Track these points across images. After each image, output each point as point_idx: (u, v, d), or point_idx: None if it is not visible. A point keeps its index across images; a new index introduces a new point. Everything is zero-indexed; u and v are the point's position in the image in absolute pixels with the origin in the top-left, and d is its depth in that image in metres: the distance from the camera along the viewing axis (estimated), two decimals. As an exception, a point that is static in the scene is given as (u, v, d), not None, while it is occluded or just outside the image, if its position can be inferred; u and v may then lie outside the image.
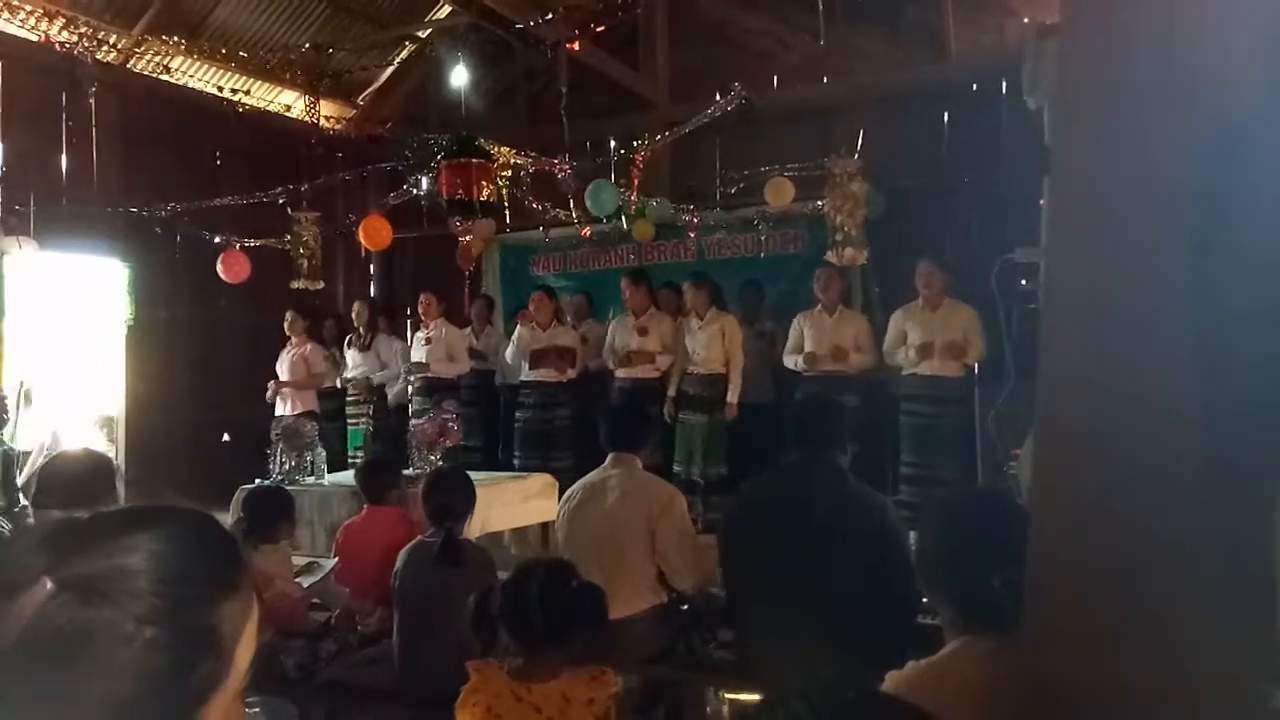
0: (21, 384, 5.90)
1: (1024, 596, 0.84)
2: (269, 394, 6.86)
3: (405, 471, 4.41)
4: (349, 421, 7.23)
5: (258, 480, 4.89)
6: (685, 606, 3.17)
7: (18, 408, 5.70)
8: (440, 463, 4.74)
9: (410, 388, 6.80)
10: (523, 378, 6.57)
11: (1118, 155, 0.82)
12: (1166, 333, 0.75)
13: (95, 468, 2.52)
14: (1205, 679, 0.64)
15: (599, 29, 6.79)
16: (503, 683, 1.70)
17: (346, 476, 4.99)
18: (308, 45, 7.44)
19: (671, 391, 6.18)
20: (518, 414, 6.57)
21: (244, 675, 0.83)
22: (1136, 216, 0.80)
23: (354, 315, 7.33)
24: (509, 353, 6.71)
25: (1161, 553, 0.70)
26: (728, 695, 3.06)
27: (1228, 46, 0.69)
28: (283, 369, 7.06)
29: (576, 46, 6.65)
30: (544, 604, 1.73)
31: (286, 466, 4.97)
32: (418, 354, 6.70)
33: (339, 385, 7.25)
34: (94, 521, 0.80)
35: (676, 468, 5.98)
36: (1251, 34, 0.69)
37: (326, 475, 5.12)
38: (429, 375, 6.59)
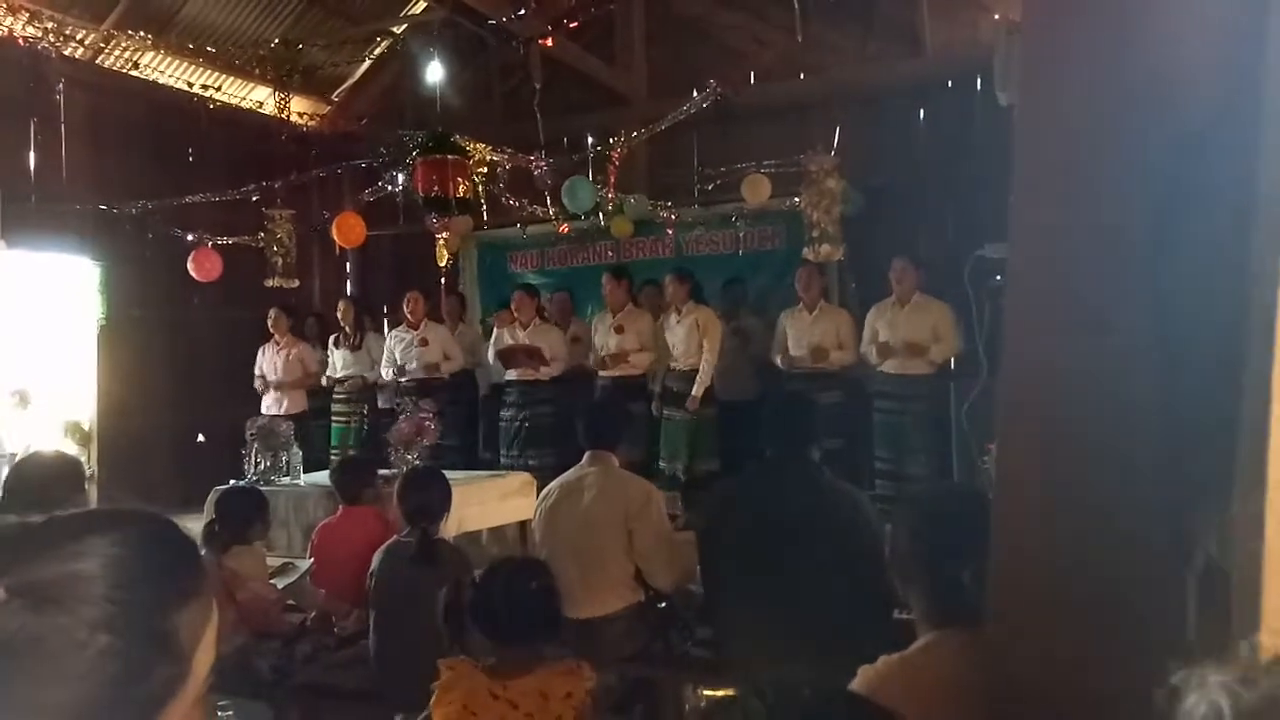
0: (17, 389, 5.85)
1: (988, 587, 0.85)
2: (258, 386, 6.88)
3: (383, 471, 4.38)
4: (334, 419, 7.17)
5: (233, 481, 4.84)
6: (663, 604, 3.17)
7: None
8: (417, 462, 4.71)
9: (399, 389, 6.74)
10: (506, 377, 6.57)
11: (1079, 151, 0.82)
12: (1126, 326, 0.75)
13: (63, 471, 2.48)
14: (1159, 664, 0.64)
15: (572, 25, 6.77)
16: (477, 680, 1.69)
17: (323, 476, 4.95)
18: (276, 41, 7.35)
19: (656, 388, 6.18)
20: (501, 413, 6.57)
21: (203, 682, 0.82)
22: (1097, 211, 0.80)
23: (339, 315, 7.26)
24: (489, 354, 6.70)
25: (1120, 542, 0.70)
26: (706, 692, 3.07)
27: (1182, 47, 0.70)
28: (273, 368, 7.00)
29: (549, 42, 6.62)
30: (512, 601, 1.72)
31: (262, 466, 4.93)
32: (410, 355, 6.65)
33: (326, 383, 7.20)
34: (48, 526, 0.79)
35: (661, 464, 5.98)
36: (1206, 36, 0.69)
37: (303, 475, 5.08)
38: (422, 376, 6.56)
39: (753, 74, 7.78)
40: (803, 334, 5.86)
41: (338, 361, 7.14)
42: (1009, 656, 0.80)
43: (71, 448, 6.64)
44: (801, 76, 7.55)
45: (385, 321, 7.59)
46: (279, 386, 6.97)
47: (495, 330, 6.75)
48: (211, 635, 0.83)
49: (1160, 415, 0.70)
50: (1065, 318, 0.77)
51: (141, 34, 6.96)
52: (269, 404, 6.96)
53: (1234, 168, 0.66)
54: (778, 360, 5.98)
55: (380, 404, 7.02)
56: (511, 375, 6.50)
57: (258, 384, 7.01)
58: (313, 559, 3.57)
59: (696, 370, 5.97)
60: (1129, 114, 0.81)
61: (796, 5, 6.57)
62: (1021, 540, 0.77)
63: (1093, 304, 0.78)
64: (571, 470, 3.38)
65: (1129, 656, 0.69)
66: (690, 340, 5.99)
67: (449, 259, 7.57)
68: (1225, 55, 0.69)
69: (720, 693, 2.81)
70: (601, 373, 6.30)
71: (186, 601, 0.80)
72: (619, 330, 6.21)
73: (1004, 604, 0.81)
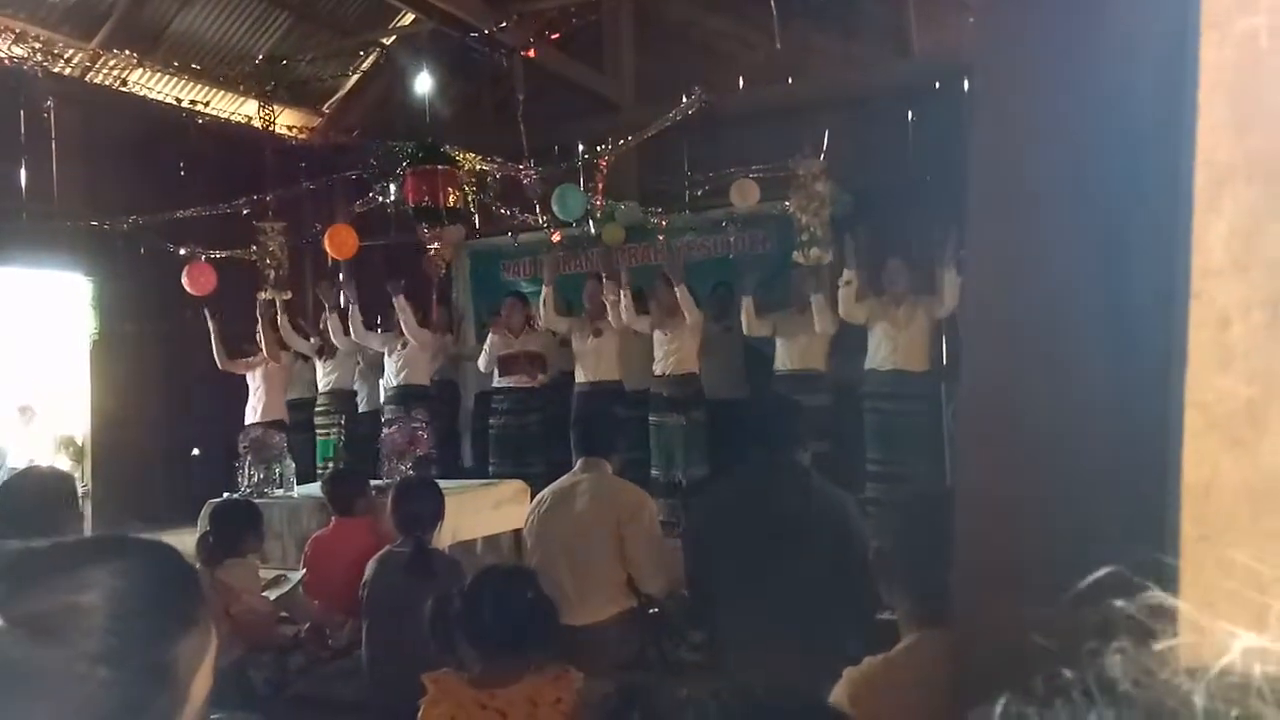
0: (22, 404, 5.85)
1: (952, 587, 0.86)
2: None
3: (376, 482, 4.39)
4: (318, 432, 7.17)
5: (226, 494, 4.84)
6: (655, 610, 3.18)
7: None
8: (411, 472, 4.71)
9: (382, 396, 6.75)
10: (495, 384, 6.57)
11: (1032, 153, 0.84)
12: (1079, 324, 0.77)
13: (56, 488, 2.48)
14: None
15: (554, 35, 6.79)
16: (464, 692, 1.69)
17: (316, 488, 4.95)
18: (260, 57, 7.37)
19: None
20: (491, 420, 6.56)
21: (200, 709, 0.83)
22: (1051, 212, 0.82)
23: (323, 326, 7.28)
24: (481, 361, 6.70)
25: (1072, 541, 0.72)
26: (718, 690, 3.06)
27: (1127, 63, 0.72)
28: (256, 380, 7.01)
29: (533, 53, 6.65)
30: (500, 610, 1.73)
31: (255, 479, 4.93)
32: (394, 362, 6.65)
33: (308, 395, 7.19)
34: (49, 554, 0.79)
35: (654, 471, 5.98)
36: (1147, 53, 0.71)
37: (296, 487, 5.08)
38: (401, 384, 6.55)
39: (741, 79, 7.80)
40: (793, 337, 5.88)
41: (319, 372, 7.12)
42: (973, 655, 0.82)
43: (65, 463, 6.64)
44: (789, 80, 7.57)
45: (378, 330, 7.58)
46: (260, 397, 6.95)
47: (491, 336, 6.74)
48: (210, 662, 0.84)
49: (1111, 416, 0.72)
50: (1018, 317, 0.79)
51: (130, 51, 6.97)
52: (248, 412, 6.93)
53: (1173, 173, 0.68)
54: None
55: (360, 409, 7.01)
56: (502, 383, 6.49)
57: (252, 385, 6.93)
58: (305, 570, 3.57)
59: (688, 374, 5.97)
60: (1080, 122, 0.83)
61: (774, 10, 6.59)
62: (981, 539, 0.79)
63: (1044, 304, 0.80)
64: (565, 477, 3.39)
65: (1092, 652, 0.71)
66: (685, 344, 6.00)
67: (442, 269, 7.59)
68: (1164, 71, 0.71)
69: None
70: (579, 379, 6.30)
71: (186, 631, 0.81)
72: (597, 335, 6.22)
73: (966, 602, 0.83)
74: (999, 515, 0.76)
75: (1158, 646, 0.47)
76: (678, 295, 5.85)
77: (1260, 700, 0.39)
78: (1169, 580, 0.54)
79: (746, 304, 5.88)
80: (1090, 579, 0.62)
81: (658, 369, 6.09)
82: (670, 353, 6.03)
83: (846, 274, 5.55)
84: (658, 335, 6.09)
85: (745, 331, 6.02)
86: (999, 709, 0.45)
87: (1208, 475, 0.47)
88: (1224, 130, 0.49)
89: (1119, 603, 0.55)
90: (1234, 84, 0.48)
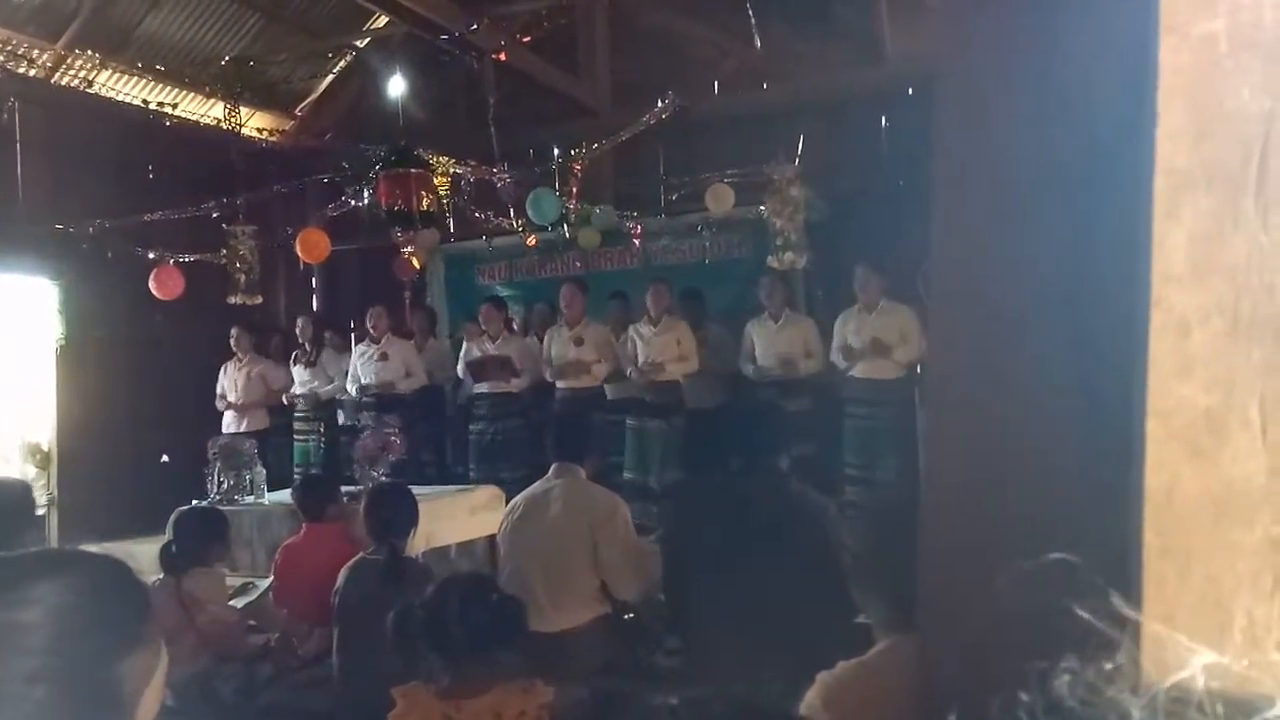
0: None
1: (919, 590, 0.86)
2: (219, 405, 6.83)
3: (348, 488, 4.34)
4: (295, 437, 7.11)
5: (195, 501, 4.77)
6: (629, 616, 3.17)
7: None
8: (384, 478, 4.67)
9: (359, 404, 6.69)
10: (475, 390, 6.53)
11: (997, 156, 0.84)
12: (1045, 324, 0.77)
13: (11, 499, 2.43)
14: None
15: (525, 39, 6.77)
16: (431, 704, 1.67)
17: (287, 495, 4.89)
18: (227, 59, 7.30)
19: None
20: (470, 426, 6.52)
21: None
22: (1015, 215, 0.82)
23: (298, 332, 7.22)
24: (459, 367, 6.67)
25: (1040, 540, 0.71)
26: (675, 703, 3.05)
27: (1090, 70, 0.72)
28: (233, 386, 6.93)
29: (503, 57, 6.63)
30: (464, 619, 1.71)
31: (225, 486, 4.85)
32: (369, 370, 6.60)
33: (285, 402, 7.14)
34: None
35: (628, 474, 5.96)
36: (1110, 61, 0.71)
37: (267, 494, 5.01)
38: (380, 392, 6.50)
39: (716, 84, 7.82)
40: (769, 343, 5.89)
41: (296, 379, 7.09)
42: (939, 660, 0.81)
43: (32, 470, 6.52)
44: (765, 86, 7.60)
45: (352, 337, 7.53)
46: (239, 406, 6.91)
47: (465, 343, 6.71)
48: (160, 679, 0.82)
49: (1076, 418, 0.71)
50: (984, 321, 0.79)
51: (97, 52, 6.87)
52: (229, 422, 6.90)
53: (1135, 177, 0.68)
54: (748, 370, 5.99)
55: (341, 420, 6.96)
56: (482, 389, 6.46)
57: (219, 403, 6.94)
58: (273, 578, 3.52)
59: (671, 381, 5.97)
60: (1045, 125, 0.83)
61: (751, 15, 6.62)
62: (947, 542, 0.79)
63: (1010, 305, 0.79)
64: (538, 483, 3.37)
65: (1054, 658, 0.70)
66: (668, 351, 5.99)
67: (415, 272, 7.54)
68: (1127, 77, 0.71)
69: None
70: (559, 385, 6.28)
71: (133, 649, 0.78)
72: (578, 342, 6.20)
73: (931, 606, 0.82)
74: (965, 522, 0.75)
75: (1118, 659, 0.47)
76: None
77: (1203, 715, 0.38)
78: (1133, 591, 0.54)
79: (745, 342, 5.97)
80: (1053, 588, 0.62)
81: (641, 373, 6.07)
82: (653, 356, 6.01)
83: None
84: (642, 338, 6.07)
85: (743, 368, 6.03)
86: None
87: (1168, 484, 0.47)
88: (1183, 136, 0.48)
89: (1081, 613, 0.55)
90: (1193, 89, 0.48)
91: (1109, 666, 0.48)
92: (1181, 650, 0.41)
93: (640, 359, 6.03)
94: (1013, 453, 0.74)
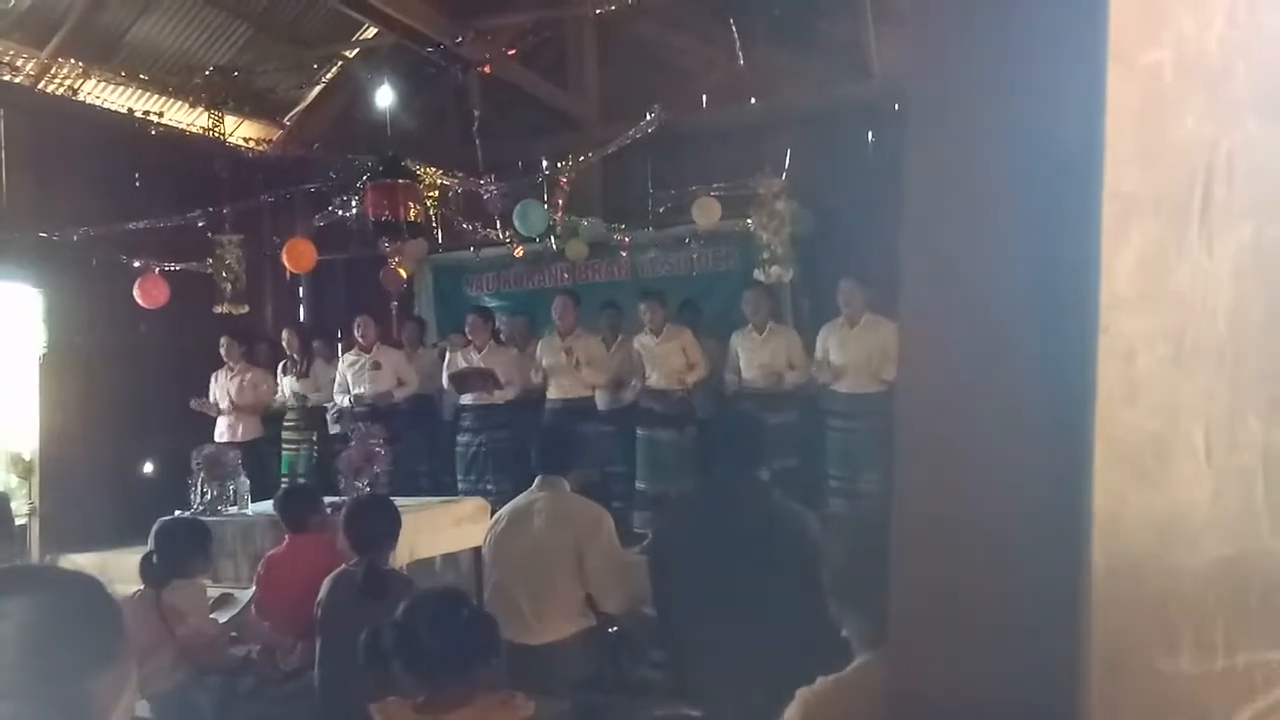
0: None
1: (890, 605, 0.86)
2: (209, 410, 6.81)
3: (332, 499, 4.32)
4: (285, 446, 7.07)
5: (178, 511, 4.73)
6: (614, 629, 3.16)
7: None
8: (369, 489, 4.65)
9: (353, 414, 6.66)
10: (462, 401, 6.52)
11: (968, 169, 0.85)
12: (1009, 344, 0.77)
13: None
14: (1052, 680, 0.66)
15: (510, 51, 6.78)
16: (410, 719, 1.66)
17: (271, 505, 4.86)
18: (211, 69, 7.28)
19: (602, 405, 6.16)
20: (458, 438, 6.51)
21: None
22: (985, 228, 0.83)
23: (285, 343, 7.19)
24: (444, 378, 6.66)
25: (1006, 556, 0.72)
26: (659, 715, 3.05)
27: (1051, 91, 0.73)
28: (225, 394, 6.89)
29: (488, 69, 6.65)
30: (436, 638, 1.70)
31: (208, 496, 4.82)
32: (361, 380, 6.57)
33: (278, 402, 7.10)
34: None
35: (640, 484, 5.95)
36: (1070, 83, 0.72)
37: (250, 504, 4.98)
38: (374, 402, 6.48)
39: (704, 97, 7.86)
40: (753, 355, 5.90)
41: (285, 389, 7.06)
42: (907, 674, 0.82)
43: (14, 480, 6.46)
44: (752, 100, 7.64)
45: (339, 346, 7.51)
46: (234, 411, 6.87)
47: (449, 354, 6.70)
48: (130, 697, 0.82)
49: (1035, 439, 0.72)
50: (951, 340, 0.79)
51: (85, 60, 6.85)
52: (222, 430, 6.85)
53: (1091, 201, 0.69)
54: (730, 381, 6.00)
55: (331, 430, 6.93)
56: (465, 400, 6.45)
57: (224, 405, 6.89)
58: (255, 589, 3.50)
59: (678, 391, 5.97)
60: (1012, 142, 0.84)
61: (734, 30, 6.66)
62: (916, 556, 0.79)
63: (981, 319, 0.80)
64: (522, 495, 3.36)
65: (1022, 673, 0.70)
66: (673, 361, 5.99)
67: (402, 283, 7.53)
68: (1083, 99, 0.72)
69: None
70: (550, 394, 6.27)
71: (103, 666, 0.78)
72: (568, 353, 6.20)
73: (901, 620, 0.83)
74: (929, 540, 0.76)
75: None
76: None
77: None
78: (1082, 610, 0.54)
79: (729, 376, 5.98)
80: (1011, 605, 0.62)
81: (648, 382, 6.06)
82: (659, 366, 6.00)
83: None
84: (645, 349, 6.07)
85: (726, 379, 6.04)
86: None
87: (1116, 508, 0.47)
88: (1130, 163, 0.49)
89: (1036, 631, 0.55)
90: (1140, 116, 0.48)
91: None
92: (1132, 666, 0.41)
93: (648, 370, 6.02)
94: (976, 470, 0.74)
